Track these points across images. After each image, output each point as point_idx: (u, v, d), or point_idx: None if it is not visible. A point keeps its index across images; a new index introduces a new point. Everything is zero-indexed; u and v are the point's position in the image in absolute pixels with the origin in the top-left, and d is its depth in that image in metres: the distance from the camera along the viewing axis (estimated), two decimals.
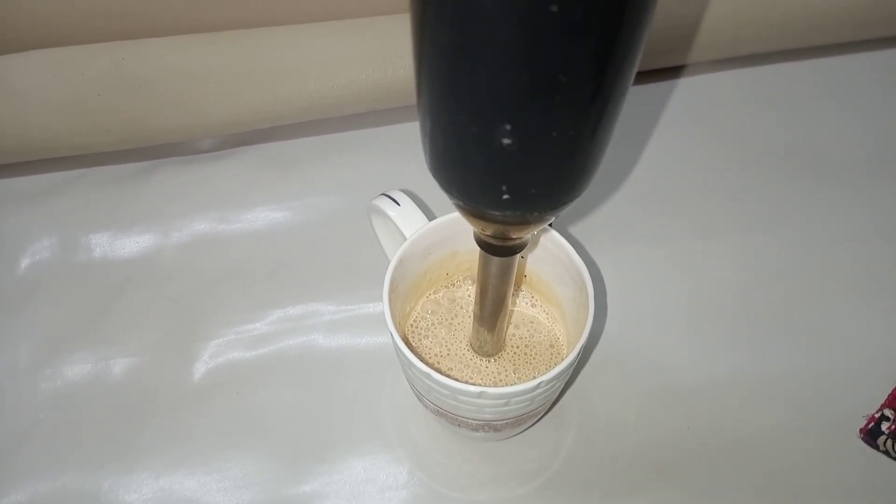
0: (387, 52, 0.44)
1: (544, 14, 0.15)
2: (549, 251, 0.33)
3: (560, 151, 0.19)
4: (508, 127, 0.18)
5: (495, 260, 0.27)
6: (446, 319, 0.35)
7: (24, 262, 0.44)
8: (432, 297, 0.36)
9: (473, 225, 0.24)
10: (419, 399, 0.33)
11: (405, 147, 0.48)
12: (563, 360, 0.29)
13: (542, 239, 0.33)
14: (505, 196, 0.20)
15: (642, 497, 0.35)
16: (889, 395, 0.37)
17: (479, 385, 0.28)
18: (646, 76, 0.52)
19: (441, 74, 0.18)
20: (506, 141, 0.18)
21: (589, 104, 0.18)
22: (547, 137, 0.18)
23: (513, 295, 0.36)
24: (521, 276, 0.36)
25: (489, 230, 0.24)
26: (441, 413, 0.31)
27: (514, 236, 0.24)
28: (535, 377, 0.28)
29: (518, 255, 0.26)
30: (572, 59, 0.16)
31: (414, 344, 0.35)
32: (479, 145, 0.19)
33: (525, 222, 0.22)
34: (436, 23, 0.17)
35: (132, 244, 0.45)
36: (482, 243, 0.26)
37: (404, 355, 0.29)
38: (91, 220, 0.46)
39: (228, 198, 0.47)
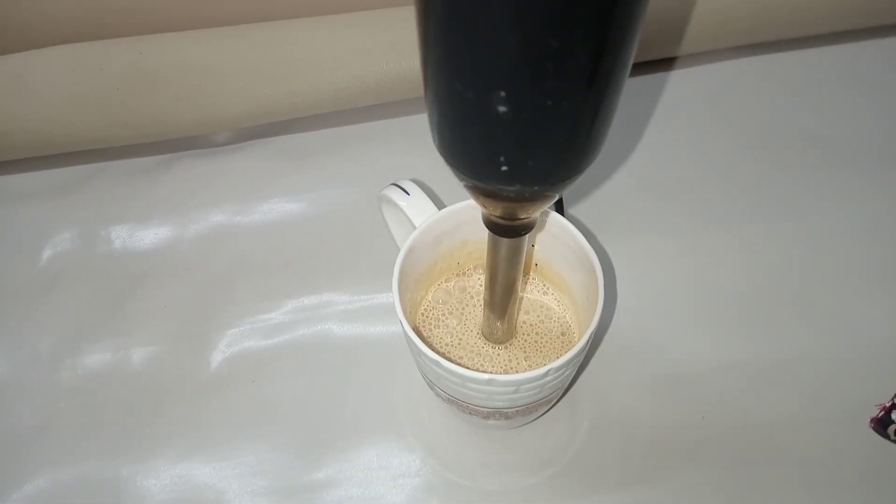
0: (397, 43, 0.45)
1: None
2: (557, 238, 0.33)
3: (555, 123, 0.19)
4: (503, 94, 0.18)
5: (504, 242, 0.27)
6: (457, 309, 0.35)
7: (46, 254, 0.45)
8: (443, 286, 0.36)
9: (481, 205, 0.24)
10: (430, 387, 0.33)
11: (417, 138, 0.48)
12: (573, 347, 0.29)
13: (551, 227, 0.33)
14: (503, 167, 0.20)
15: (655, 486, 0.35)
16: None
17: (489, 373, 0.28)
18: (660, 64, 0.52)
19: (437, 41, 0.18)
20: (501, 108, 0.18)
21: (583, 75, 0.18)
22: (541, 106, 0.18)
23: (523, 282, 0.36)
24: (532, 264, 0.36)
25: (497, 210, 0.24)
26: (452, 401, 0.31)
27: (520, 216, 0.24)
28: (545, 365, 0.28)
29: (526, 237, 0.27)
30: (563, 23, 0.16)
31: (425, 333, 0.35)
32: (476, 113, 0.19)
33: (526, 198, 0.22)
34: None
35: (150, 236, 0.46)
36: (490, 224, 0.26)
37: (414, 344, 0.29)
38: (110, 213, 0.47)
39: (244, 190, 0.47)
